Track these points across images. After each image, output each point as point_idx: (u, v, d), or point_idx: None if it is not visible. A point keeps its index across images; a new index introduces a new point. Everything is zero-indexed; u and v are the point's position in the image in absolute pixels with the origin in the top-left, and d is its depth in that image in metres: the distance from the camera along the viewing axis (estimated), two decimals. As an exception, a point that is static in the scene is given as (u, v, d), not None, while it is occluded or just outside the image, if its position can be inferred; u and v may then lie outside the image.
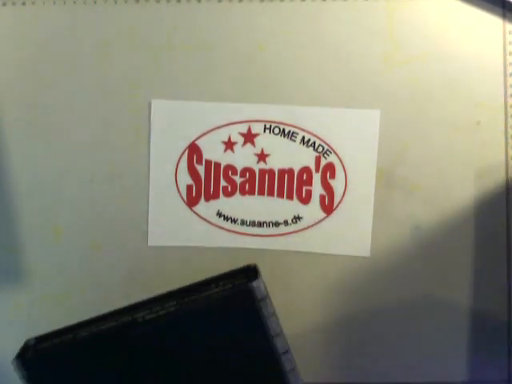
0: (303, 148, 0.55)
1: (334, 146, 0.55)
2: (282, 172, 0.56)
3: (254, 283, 0.46)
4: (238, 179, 0.56)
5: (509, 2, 0.55)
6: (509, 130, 0.55)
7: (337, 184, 0.55)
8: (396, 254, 0.55)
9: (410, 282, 0.54)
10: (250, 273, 0.49)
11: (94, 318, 0.49)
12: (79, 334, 0.48)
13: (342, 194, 0.55)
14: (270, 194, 0.56)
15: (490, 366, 0.54)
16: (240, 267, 0.50)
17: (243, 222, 0.56)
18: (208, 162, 0.56)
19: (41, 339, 0.49)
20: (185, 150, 0.55)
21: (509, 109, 0.55)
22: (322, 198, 0.55)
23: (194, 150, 0.56)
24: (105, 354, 0.47)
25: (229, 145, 0.56)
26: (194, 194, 0.56)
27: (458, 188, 0.55)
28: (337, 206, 0.55)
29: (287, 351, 0.47)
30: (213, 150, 0.55)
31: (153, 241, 0.55)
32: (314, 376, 0.55)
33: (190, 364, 0.47)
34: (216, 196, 0.56)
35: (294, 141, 0.55)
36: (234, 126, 0.55)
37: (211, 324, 0.46)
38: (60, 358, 0.47)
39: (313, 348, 0.55)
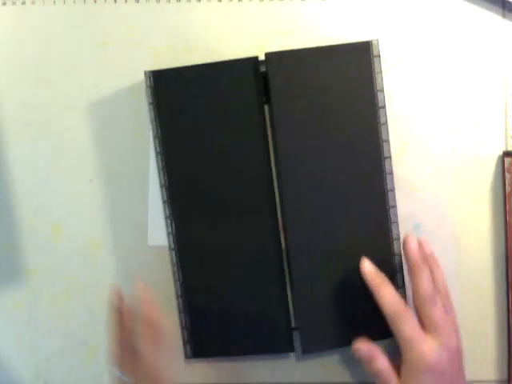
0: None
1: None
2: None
3: (374, 40, 0.50)
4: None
5: (509, 2, 0.55)
6: (509, 130, 0.55)
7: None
8: (396, 253, 0.55)
9: (411, 281, 0.54)
10: None
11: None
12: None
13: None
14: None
15: (490, 366, 0.54)
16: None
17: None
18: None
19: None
20: (185, 150, 0.55)
21: (509, 109, 0.55)
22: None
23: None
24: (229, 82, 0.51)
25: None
26: (194, 194, 0.56)
27: (457, 188, 0.55)
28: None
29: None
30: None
31: (153, 241, 0.55)
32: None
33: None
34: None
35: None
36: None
37: (327, 68, 0.51)
38: (187, 80, 0.51)
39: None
